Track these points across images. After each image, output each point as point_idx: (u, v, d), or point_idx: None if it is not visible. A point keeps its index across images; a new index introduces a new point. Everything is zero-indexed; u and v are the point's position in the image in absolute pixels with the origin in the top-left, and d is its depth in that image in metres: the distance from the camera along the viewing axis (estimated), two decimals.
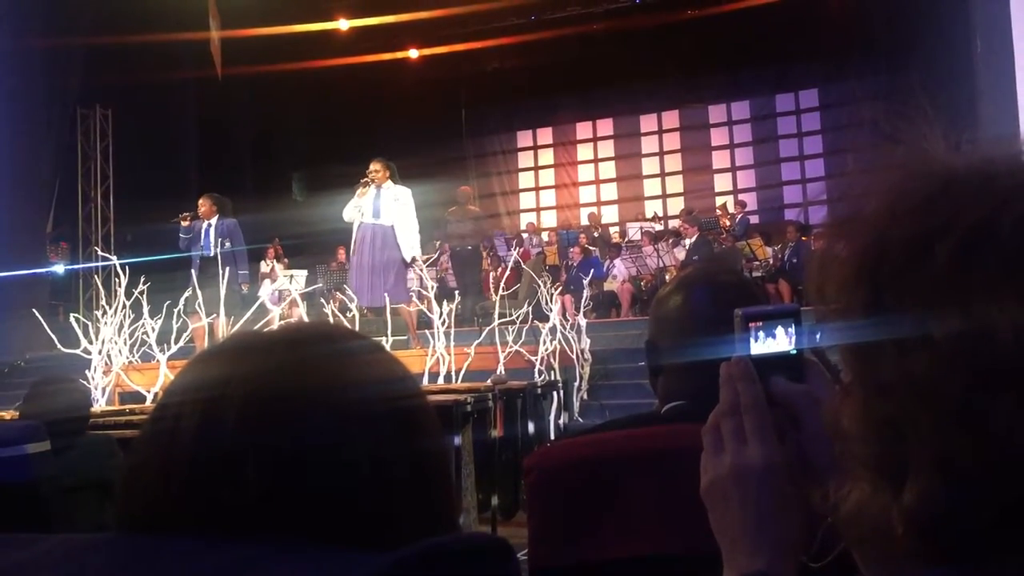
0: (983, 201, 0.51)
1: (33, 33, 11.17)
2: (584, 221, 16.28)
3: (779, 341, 0.80)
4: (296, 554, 0.52)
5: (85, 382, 7.42)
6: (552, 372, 7.62)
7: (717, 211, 14.31)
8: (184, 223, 8.90)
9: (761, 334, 0.79)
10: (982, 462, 0.48)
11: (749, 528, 0.73)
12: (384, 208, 8.21)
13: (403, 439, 0.61)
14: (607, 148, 17.39)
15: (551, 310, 8.20)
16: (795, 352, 0.79)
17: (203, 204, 8.87)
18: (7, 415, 5.87)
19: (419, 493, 0.62)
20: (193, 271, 8.50)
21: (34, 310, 8.35)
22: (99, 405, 7.09)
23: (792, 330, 0.80)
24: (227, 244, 8.58)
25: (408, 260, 8.27)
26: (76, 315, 7.94)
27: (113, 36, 11.26)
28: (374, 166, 8.30)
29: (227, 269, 8.13)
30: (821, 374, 0.79)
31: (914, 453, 0.50)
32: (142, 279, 7.55)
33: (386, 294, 7.94)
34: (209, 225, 8.77)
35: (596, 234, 14.05)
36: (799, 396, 0.76)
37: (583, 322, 8.52)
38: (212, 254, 8.56)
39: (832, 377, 0.75)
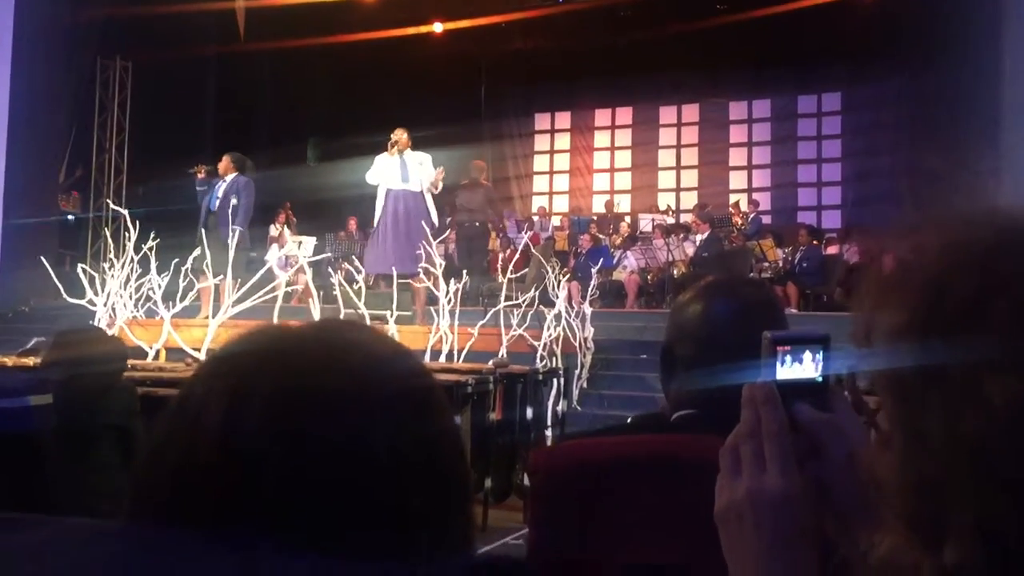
0: None
1: None
2: (597, 208, 16.23)
3: (805, 367, 0.78)
4: (305, 563, 0.52)
5: None
6: (554, 358, 7.62)
7: (730, 209, 14.26)
8: (200, 175, 8.98)
9: (788, 358, 0.78)
10: None
11: (762, 555, 0.72)
12: (412, 173, 8.24)
13: (425, 459, 0.61)
14: (624, 137, 17.31)
15: (557, 296, 8.19)
16: (821, 379, 0.78)
17: (223, 161, 8.95)
18: (9, 361, 5.90)
19: (436, 497, 0.62)
20: (201, 228, 8.54)
21: (42, 258, 8.37)
22: None
23: (820, 356, 0.79)
24: (233, 200, 8.60)
25: (438, 224, 8.33)
26: (83, 266, 7.94)
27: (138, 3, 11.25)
28: (399, 132, 8.38)
29: (236, 230, 8.13)
30: (846, 404, 0.77)
31: (955, 514, 0.49)
32: (151, 235, 7.55)
33: (402, 266, 7.97)
34: (223, 181, 8.83)
35: (611, 228, 13.99)
36: (823, 425, 0.75)
37: (588, 310, 8.52)
38: (215, 208, 8.62)
39: (862, 413, 0.74)
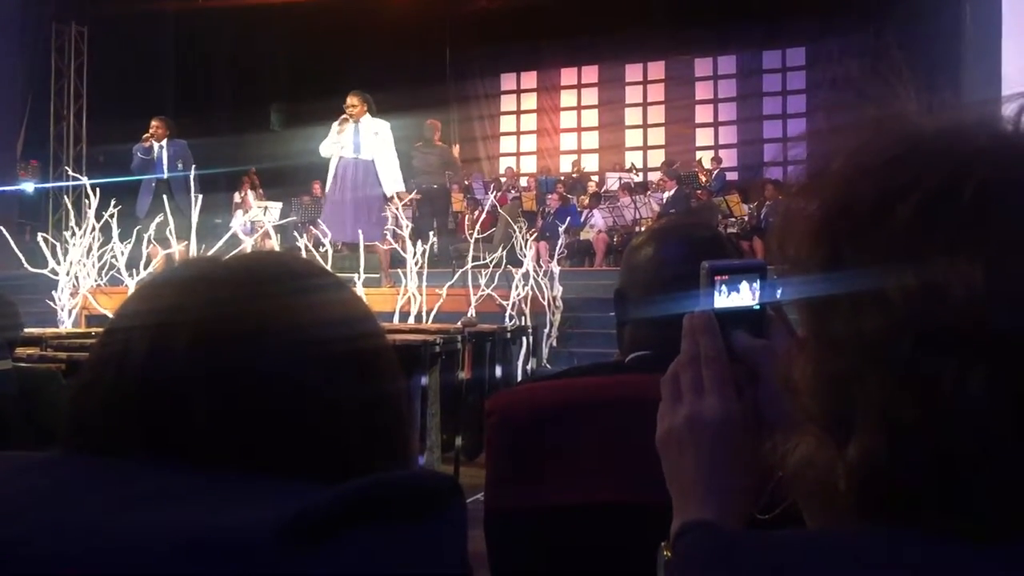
0: (947, 164, 0.51)
1: None
2: (564, 168, 16.21)
3: (743, 295, 0.80)
4: (239, 484, 0.52)
5: (52, 303, 7.39)
6: (523, 317, 7.64)
7: (695, 166, 14.30)
8: (145, 144, 8.80)
9: (725, 288, 0.79)
10: (926, 421, 0.49)
11: (700, 478, 0.74)
12: (364, 143, 8.10)
13: (358, 378, 0.61)
14: (591, 96, 17.25)
15: (525, 256, 8.20)
16: (758, 307, 0.80)
17: (158, 126, 8.75)
18: None
19: (372, 433, 0.61)
20: (148, 195, 8.41)
21: (2, 228, 8.23)
22: (65, 327, 7.05)
23: (757, 285, 0.80)
24: (179, 166, 8.48)
25: (390, 195, 8.19)
26: (44, 235, 7.84)
27: None
28: (351, 100, 8.16)
29: (200, 196, 8.02)
30: (783, 330, 0.79)
31: (861, 410, 0.51)
32: (112, 202, 7.45)
33: (360, 231, 7.88)
34: (161, 147, 8.68)
35: (577, 187, 13.97)
36: (759, 351, 0.76)
37: (556, 269, 8.54)
38: (165, 177, 8.49)
39: (789, 333, 0.75)
